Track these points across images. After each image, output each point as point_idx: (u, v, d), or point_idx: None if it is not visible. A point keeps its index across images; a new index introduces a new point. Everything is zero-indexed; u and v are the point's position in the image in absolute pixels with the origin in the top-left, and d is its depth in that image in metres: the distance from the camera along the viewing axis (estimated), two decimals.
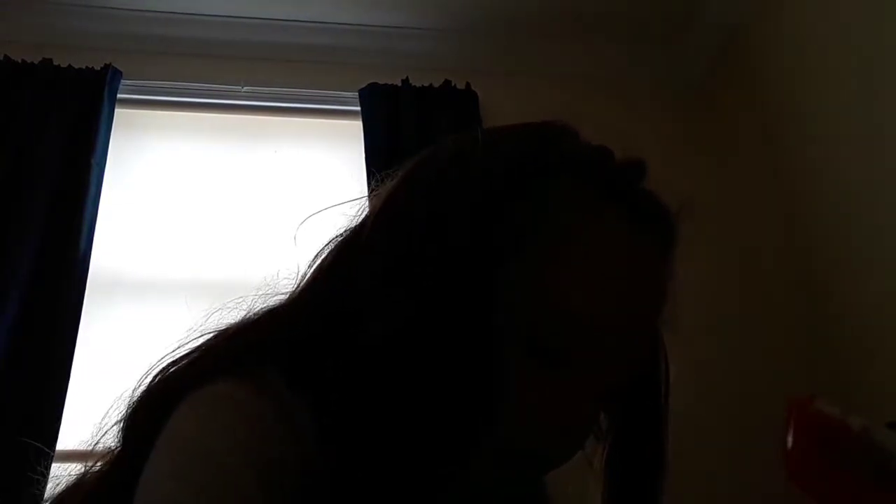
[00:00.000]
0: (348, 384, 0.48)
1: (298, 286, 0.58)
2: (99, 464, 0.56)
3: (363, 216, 0.58)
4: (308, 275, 0.58)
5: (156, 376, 0.55)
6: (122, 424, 0.55)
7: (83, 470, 0.58)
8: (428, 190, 0.53)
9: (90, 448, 0.57)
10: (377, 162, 2.08)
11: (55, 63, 2.09)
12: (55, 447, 1.65)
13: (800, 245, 1.96)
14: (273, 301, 0.58)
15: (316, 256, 0.59)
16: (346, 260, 0.56)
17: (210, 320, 0.58)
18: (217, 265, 2.05)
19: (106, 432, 0.56)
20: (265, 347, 0.53)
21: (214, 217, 2.11)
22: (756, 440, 1.14)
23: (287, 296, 0.58)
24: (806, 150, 1.96)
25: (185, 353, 0.56)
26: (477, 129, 0.58)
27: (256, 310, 0.57)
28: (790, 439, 0.52)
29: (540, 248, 0.49)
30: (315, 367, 0.50)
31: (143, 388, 0.55)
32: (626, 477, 0.58)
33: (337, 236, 0.59)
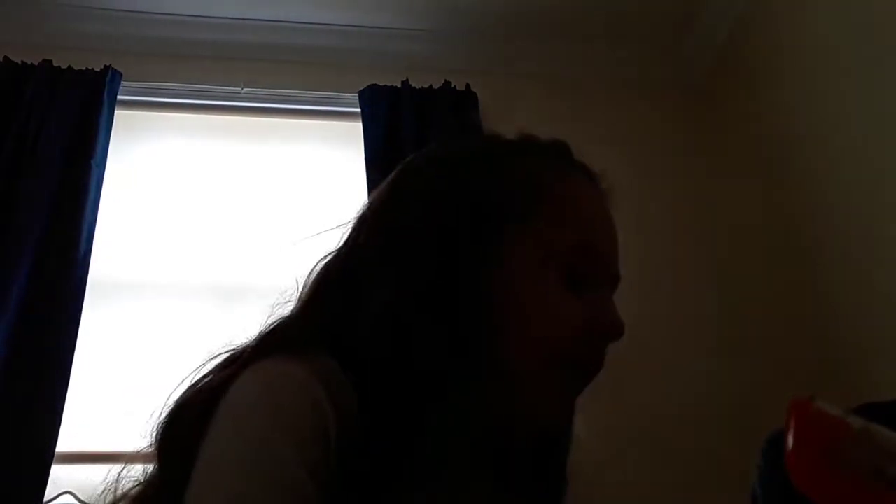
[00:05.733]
0: (371, 346, 0.57)
1: (306, 289, 0.67)
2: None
3: (361, 214, 0.68)
4: (316, 275, 0.67)
5: (221, 364, 0.62)
6: (180, 406, 0.60)
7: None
8: (442, 167, 0.67)
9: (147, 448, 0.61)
10: (377, 163, 2.08)
11: (55, 64, 2.09)
12: (55, 448, 1.65)
13: (800, 244, 1.96)
14: (289, 307, 0.66)
15: (319, 262, 0.68)
16: (355, 245, 0.66)
17: (253, 325, 0.65)
18: (217, 266, 2.05)
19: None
20: (309, 334, 0.61)
21: (214, 218, 2.11)
22: (757, 441, 1.14)
23: (299, 301, 0.67)
24: (806, 149, 1.96)
25: (236, 347, 0.63)
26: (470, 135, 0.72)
27: (281, 313, 0.66)
28: (790, 439, 0.52)
29: (546, 198, 0.64)
30: (348, 348, 0.58)
31: (202, 374, 0.62)
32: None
33: (338, 246, 0.68)
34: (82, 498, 1.70)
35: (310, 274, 0.67)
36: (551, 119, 2.31)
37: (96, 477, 1.92)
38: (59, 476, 1.70)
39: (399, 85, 2.22)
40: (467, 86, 2.25)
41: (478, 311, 0.59)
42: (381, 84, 2.21)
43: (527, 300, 0.60)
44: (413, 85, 2.22)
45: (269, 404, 0.53)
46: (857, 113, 1.76)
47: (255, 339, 0.63)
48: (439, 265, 0.59)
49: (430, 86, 2.23)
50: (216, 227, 2.10)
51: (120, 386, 1.82)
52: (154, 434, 0.59)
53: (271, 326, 0.64)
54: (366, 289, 0.60)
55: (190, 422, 0.56)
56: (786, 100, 2.04)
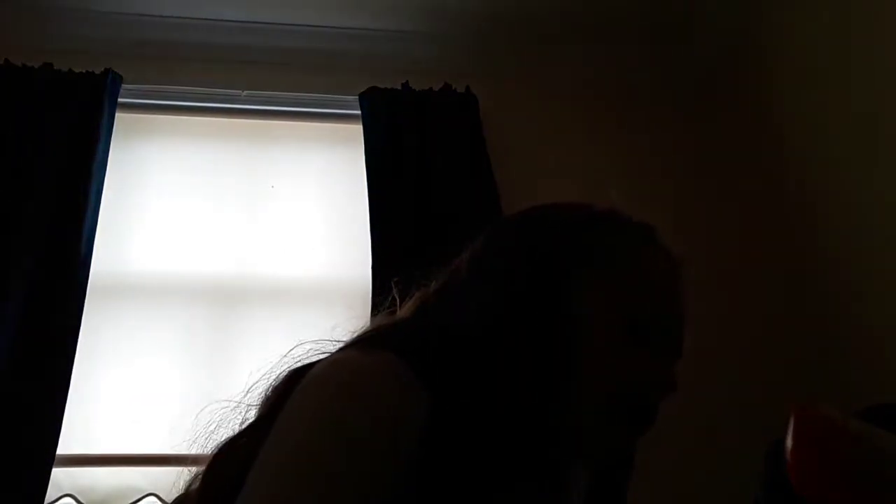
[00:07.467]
0: (455, 365, 0.63)
1: (408, 308, 0.77)
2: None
3: (466, 257, 0.76)
4: (416, 299, 0.77)
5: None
6: (273, 388, 0.69)
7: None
8: (529, 229, 0.75)
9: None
10: (378, 165, 2.08)
11: (55, 67, 2.09)
12: (55, 451, 1.65)
13: (800, 245, 1.96)
14: (384, 319, 0.76)
15: (417, 289, 0.78)
16: (454, 283, 0.75)
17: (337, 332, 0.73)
18: (218, 269, 2.05)
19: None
20: (393, 341, 0.66)
21: (215, 221, 2.11)
22: (758, 444, 1.13)
23: (397, 316, 0.76)
24: (807, 151, 1.96)
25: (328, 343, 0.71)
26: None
27: (374, 324, 0.74)
28: (791, 443, 0.52)
29: (619, 261, 0.71)
30: (427, 355, 0.63)
31: (294, 366, 0.69)
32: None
33: (446, 271, 0.77)
34: (83, 501, 1.70)
35: (409, 294, 0.78)
36: (550, 121, 2.32)
37: (97, 480, 1.92)
38: (60, 479, 1.70)
39: (399, 87, 2.22)
40: (467, 88, 2.25)
41: (550, 342, 0.66)
42: (382, 86, 2.21)
43: (591, 343, 0.66)
44: (413, 87, 2.22)
45: (352, 384, 0.59)
46: (858, 113, 1.77)
47: (353, 338, 0.71)
48: (522, 296, 0.67)
49: (431, 88, 2.23)
50: (217, 230, 2.10)
51: (120, 389, 1.83)
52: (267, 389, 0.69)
53: (368, 329, 0.73)
54: (465, 303, 0.69)
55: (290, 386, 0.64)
56: (787, 101, 2.04)
